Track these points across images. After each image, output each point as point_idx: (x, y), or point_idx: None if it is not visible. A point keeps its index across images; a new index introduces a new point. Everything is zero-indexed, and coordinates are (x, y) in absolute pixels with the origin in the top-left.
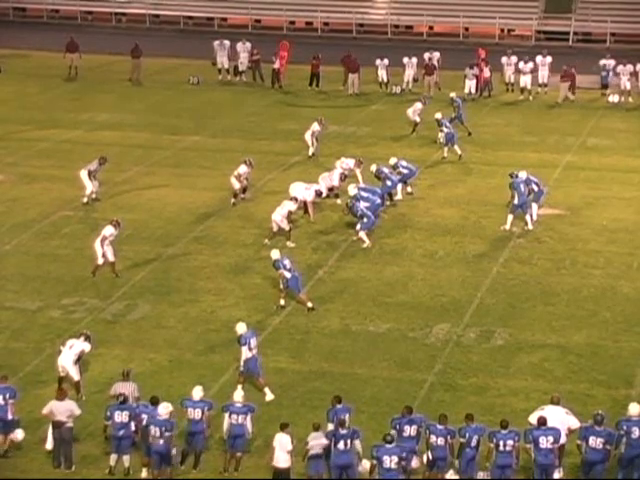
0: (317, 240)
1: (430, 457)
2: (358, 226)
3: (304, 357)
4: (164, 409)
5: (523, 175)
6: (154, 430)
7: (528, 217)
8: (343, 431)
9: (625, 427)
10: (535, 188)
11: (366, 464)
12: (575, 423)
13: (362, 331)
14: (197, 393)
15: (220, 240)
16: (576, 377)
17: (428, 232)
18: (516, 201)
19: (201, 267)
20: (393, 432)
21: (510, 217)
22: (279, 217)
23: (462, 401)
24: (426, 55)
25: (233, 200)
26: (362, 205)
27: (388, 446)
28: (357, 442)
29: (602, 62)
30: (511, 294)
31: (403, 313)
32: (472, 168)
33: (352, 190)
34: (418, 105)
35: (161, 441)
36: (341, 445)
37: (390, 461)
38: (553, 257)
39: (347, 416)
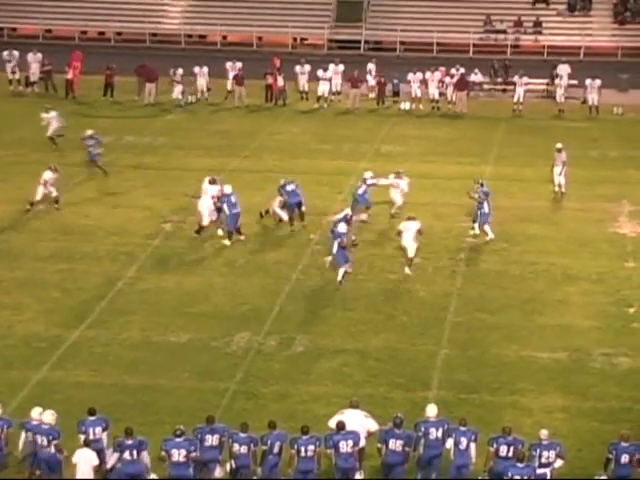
0: (116, 251)
1: (233, 466)
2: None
3: (105, 370)
4: (50, 416)
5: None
6: (40, 439)
7: (487, 227)
8: (129, 441)
9: (423, 428)
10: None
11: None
12: (374, 426)
13: (163, 342)
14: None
15: (16, 253)
16: (375, 381)
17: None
18: (486, 210)
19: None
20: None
21: (485, 227)
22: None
23: (264, 409)
24: (228, 64)
25: (28, 207)
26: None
27: (177, 440)
28: (144, 453)
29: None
30: (311, 301)
31: (204, 323)
32: (270, 176)
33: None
34: None
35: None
36: (127, 455)
37: (179, 454)
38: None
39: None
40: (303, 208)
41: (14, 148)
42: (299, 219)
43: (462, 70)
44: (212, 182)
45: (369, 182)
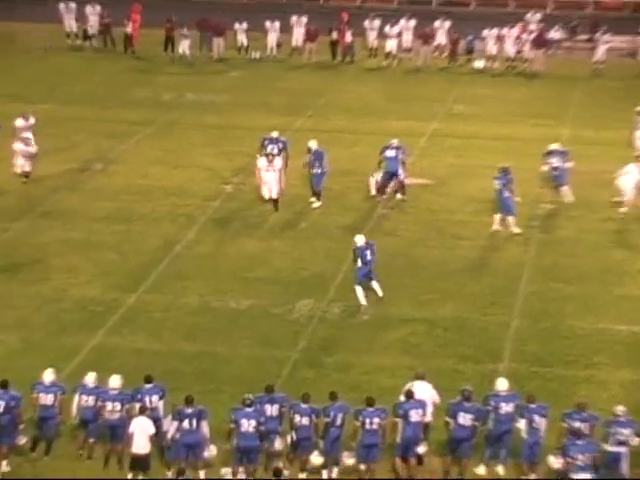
0: (174, 213)
1: (294, 438)
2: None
3: (162, 336)
4: (119, 380)
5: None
6: (111, 405)
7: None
8: (188, 410)
9: (493, 403)
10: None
11: (213, 450)
12: (437, 398)
13: (223, 308)
14: (48, 376)
15: (70, 214)
16: (443, 352)
17: (287, 203)
18: (506, 198)
19: (51, 243)
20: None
21: (509, 219)
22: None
23: (326, 379)
24: (293, 18)
25: (24, 180)
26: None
27: (247, 410)
28: (204, 423)
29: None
30: (376, 267)
31: (265, 289)
32: (336, 136)
33: None
34: None
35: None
36: (186, 424)
37: (248, 425)
38: (419, 228)
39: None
40: (401, 178)
41: (70, 104)
42: (396, 191)
43: (540, 26)
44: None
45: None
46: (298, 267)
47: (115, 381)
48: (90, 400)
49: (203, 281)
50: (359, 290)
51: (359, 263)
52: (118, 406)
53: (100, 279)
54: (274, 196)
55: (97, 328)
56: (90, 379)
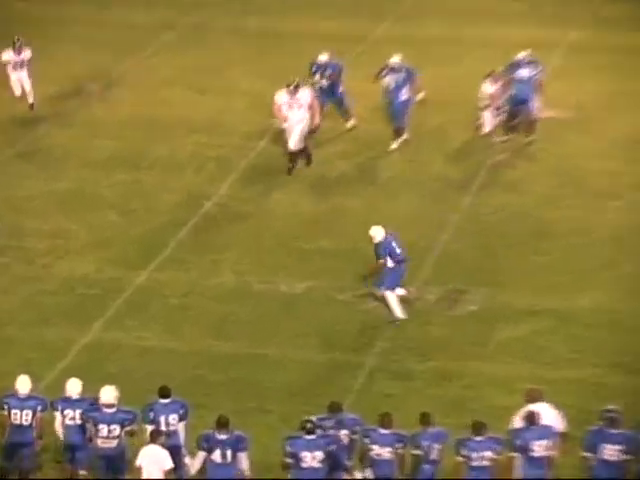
0: (202, 156)
1: (370, 476)
2: None
3: (183, 331)
4: (111, 392)
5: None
6: (104, 428)
7: None
8: (221, 436)
9: None
10: None
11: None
12: (563, 424)
13: (268, 292)
14: (24, 386)
15: (57, 156)
16: (582, 358)
17: (360, 144)
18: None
19: (29, 197)
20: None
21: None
22: None
23: (416, 394)
24: None
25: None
26: None
27: (309, 438)
28: (243, 455)
29: None
30: (489, 236)
31: (329, 265)
32: (431, 50)
33: None
34: None
35: None
36: (217, 456)
37: (312, 458)
38: (551, 181)
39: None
40: (533, 109)
41: (57, 1)
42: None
43: None
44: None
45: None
46: None
47: (107, 394)
48: (76, 416)
49: (240, 254)
50: (392, 298)
51: (389, 262)
52: (116, 429)
53: (96, 250)
54: (292, 147)
55: (91, 319)
56: (73, 388)
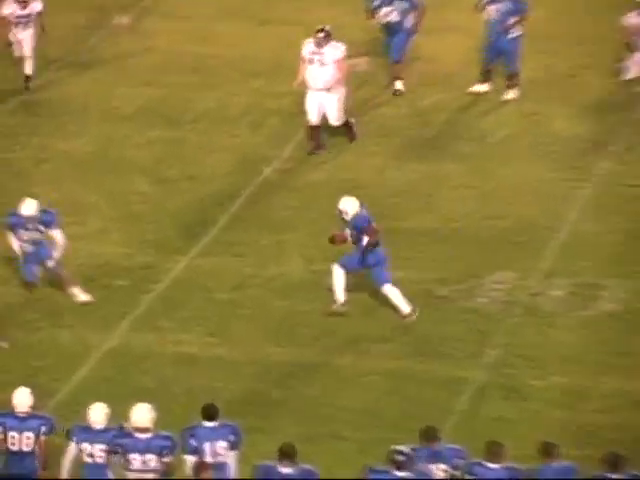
0: (263, 109)
1: None
2: None
3: (232, 334)
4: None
5: None
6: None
7: None
8: (284, 469)
9: None
10: None
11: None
12: None
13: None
14: (24, 401)
15: (74, 108)
16: None
17: (456, 94)
18: None
19: (37, 159)
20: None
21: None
22: None
23: (535, 418)
24: None
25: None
26: None
27: (400, 475)
28: None
29: None
30: (633, 214)
31: (423, 251)
32: None
33: None
34: None
35: None
36: None
37: None
38: None
39: None
40: None
41: None
42: None
43: None
44: None
45: None
46: (486, 213)
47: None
48: (96, 451)
49: (308, 235)
50: (338, 275)
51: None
52: (152, 460)
53: (122, 229)
54: (333, 122)
55: (117, 318)
56: (97, 416)
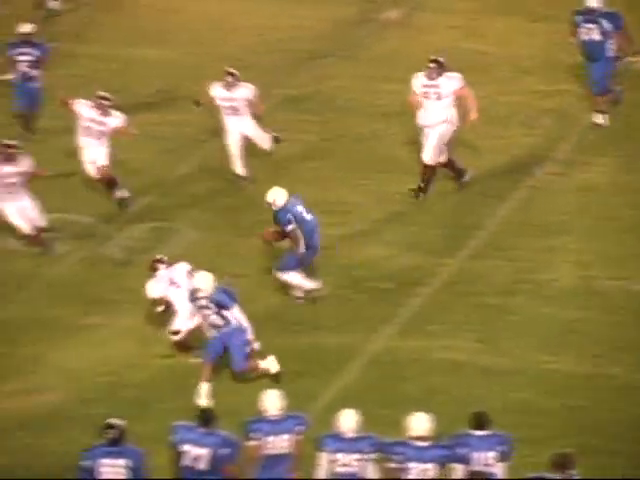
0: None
1: None
2: None
3: (502, 341)
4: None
5: None
6: None
7: None
8: None
9: None
10: None
11: None
12: None
13: (618, 292)
14: (273, 403)
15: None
16: None
17: None
18: None
19: (304, 156)
20: None
21: None
22: None
23: None
24: None
25: None
26: None
27: None
28: None
29: None
30: None
31: None
32: None
33: None
34: None
35: None
36: None
37: None
38: None
39: None
40: None
41: None
42: None
43: None
44: None
45: None
46: None
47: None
48: (351, 462)
49: (583, 239)
50: (296, 277)
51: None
52: (431, 470)
53: (388, 228)
54: (426, 159)
55: (381, 321)
56: (347, 423)
